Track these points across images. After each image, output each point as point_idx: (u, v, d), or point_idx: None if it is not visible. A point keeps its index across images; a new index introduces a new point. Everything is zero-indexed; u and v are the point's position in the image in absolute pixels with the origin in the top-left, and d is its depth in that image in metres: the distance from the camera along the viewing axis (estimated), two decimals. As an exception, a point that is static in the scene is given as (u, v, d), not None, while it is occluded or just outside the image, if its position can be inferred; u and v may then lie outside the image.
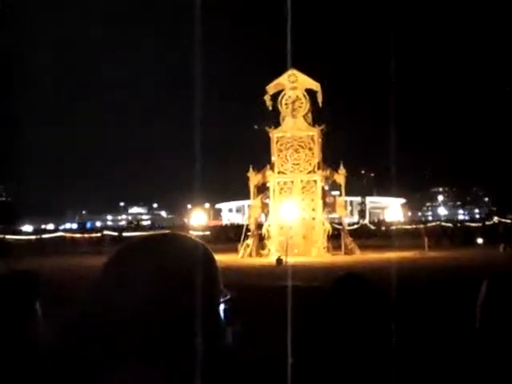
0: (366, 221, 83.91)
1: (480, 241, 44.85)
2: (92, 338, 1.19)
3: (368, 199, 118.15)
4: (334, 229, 39.46)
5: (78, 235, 66.51)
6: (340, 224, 40.64)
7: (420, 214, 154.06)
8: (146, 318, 1.17)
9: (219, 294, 1.26)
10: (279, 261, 29.92)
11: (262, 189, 39.18)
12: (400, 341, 2.63)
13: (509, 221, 63.94)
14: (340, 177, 38.01)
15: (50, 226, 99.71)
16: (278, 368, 2.70)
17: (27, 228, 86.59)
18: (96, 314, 1.21)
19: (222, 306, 1.26)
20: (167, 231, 1.35)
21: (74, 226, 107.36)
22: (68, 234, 67.31)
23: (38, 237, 60.44)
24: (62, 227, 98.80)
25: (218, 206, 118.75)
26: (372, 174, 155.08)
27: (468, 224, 68.70)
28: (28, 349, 2.67)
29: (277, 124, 38.85)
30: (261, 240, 37.93)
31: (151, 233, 1.37)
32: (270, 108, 38.37)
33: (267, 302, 13.10)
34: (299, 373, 2.50)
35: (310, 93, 38.59)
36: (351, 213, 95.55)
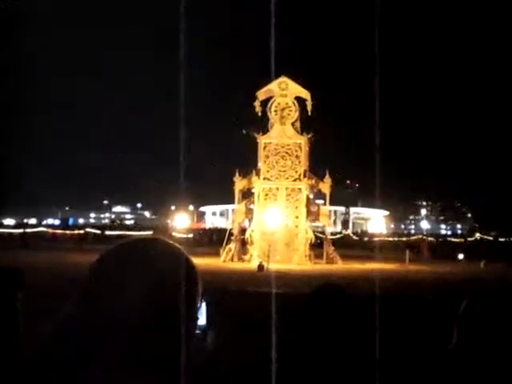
0: (349, 231, 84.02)
1: (461, 256, 45.10)
2: (79, 337, 1.23)
3: (352, 210, 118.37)
4: (316, 237, 39.54)
5: (59, 231, 66.17)
6: (323, 233, 40.75)
7: (403, 226, 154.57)
8: (132, 321, 1.21)
9: (199, 299, 1.32)
10: (260, 267, 29.92)
11: (247, 194, 39.20)
12: (377, 351, 2.66)
13: (491, 238, 64.47)
14: (325, 186, 38.10)
15: (33, 221, 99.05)
16: (258, 374, 2.72)
17: (9, 221, 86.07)
18: (83, 316, 1.25)
19: (202, 310, 1.32)
20: (150, 236, 1.39)
21: (57, 221, 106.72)
22: (50, 230, 66.95)
23: (20, 231, 60.07)
24: (44, 222, 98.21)
25: (202, 208, 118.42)
26: (357, 185, 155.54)
27: (450, 239, 69.10)
28: (9, 346, 2.67)
29: (265, 130, 38.91)
30: (243, 245, 37.94)
31: (136, 236, 1.41)
32: (260, 114, 38.44)
33: (247, 308, 13.11)
34: (278, 380, 2.51)
35: (300, 101, 38.71)
36: (334, 222, 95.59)
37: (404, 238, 68.86)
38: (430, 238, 65.25)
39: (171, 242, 1.37)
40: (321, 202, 41.32)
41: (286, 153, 38.06)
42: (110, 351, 1.21)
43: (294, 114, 38.57)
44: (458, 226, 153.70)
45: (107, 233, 61.75)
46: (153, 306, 1.24)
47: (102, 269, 1.29)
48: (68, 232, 65.01)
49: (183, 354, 1.24)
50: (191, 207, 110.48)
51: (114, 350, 1.22)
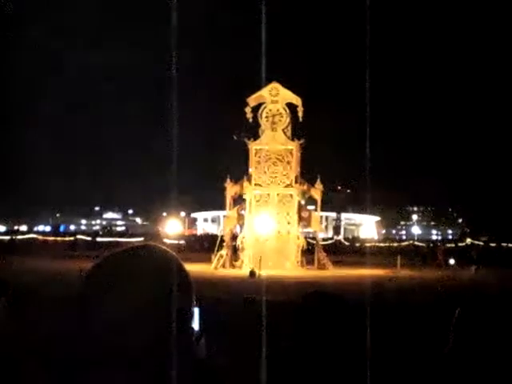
0: (341, 237, 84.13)
1: (452, 261, 45.19)
2: (77, 342, 1.23)
3: (343, 215, 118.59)
4: (308, 243, 39.56)
5: (50, 238, 65.94)
6: (314, 239, 40.76)
7: (394, 232, 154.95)
8: (125, 330, 1.21)
9: (192, 306, 1.32)
10: (252, 273, 29.90)
11: (239, 200, 39.21)
12: (369, 357, 2.65)
13: (481, 243, 64.72)
14: (316, 192, 38.14)
15: (23, 228, 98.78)
16: (250, 380, 2.71)
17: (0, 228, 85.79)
18: (81, 322, 1.24)
19: (195, 317, 1.32)
20: (144, 243, 1.38)
21: (48, 228, 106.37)
22: (40, 237, 66.69)
23: (10, 238, 59.86)
24: (35, 229, 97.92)
25: (193, 215, 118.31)
26: (348, 191, 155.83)
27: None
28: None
29: (256, 136, 38.94)
30: (235, 251, 37.90)
31: (130, 243, 1.41)
32: (250, 120, 38.46)
33: (239, 315, 13.09)
34: None
35: (291, 107, 38.76)
36: (326, 228, 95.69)
37: (395, 244, 69.08)
38: (418, 243, 65.49)
39: (165, 248, 1.37)
40: (312, 207, 41.36)
41: (277, 159, 38.10)
42: (107, 356, 1.21)
43: (285, 120, 38.62)
44: (449, 231, 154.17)
45: (98, 239, 61.68)
46: (147, 312, 1.24)
47: (97, 276, 1.29)
48: (59, 239, 64.82)
49: (179, 360, 1.24)
50: (183, 213, 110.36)
51: (111, 354, 1.21)
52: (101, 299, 1.24)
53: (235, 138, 39.94)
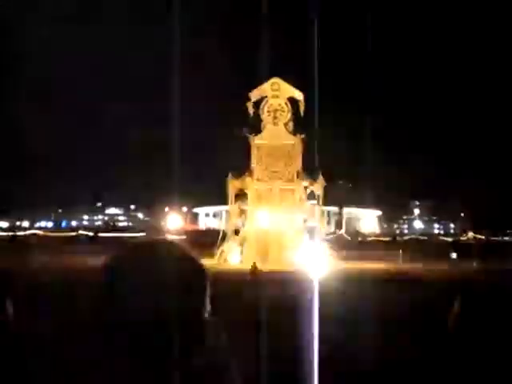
0: (343, 231, 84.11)
1: (454, 255, 45.23)
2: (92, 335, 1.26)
3: (345, 210, 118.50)
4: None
5: (52, 234, 66.03)
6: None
7: (396, 226, 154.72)
8: (145, 323, 1.23)
9: (206, 298, 1.34)
10: (254, 268, 29.89)
11: (241, 195, 39.20)
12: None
13: (483, 237, 64.85)
14: (318, 186, 38.12)
15: (26, 224, 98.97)
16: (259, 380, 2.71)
17: (2, 224, 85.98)
18: (98, 315, 1.27)
19: (207, 309, 1.33)
20: (159, 238, 1.40)
21: (50, 224, 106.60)
22: (42, 232, 66.78)
23: (12, 234, 59.98)
24: (37, 225, 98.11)
25: (195, 210, 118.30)
26: (350, 185, 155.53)
27: (443, 238, 69.35)
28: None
29: (257, 131, 38.90)
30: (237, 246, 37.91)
31: (145, 238, 1.43)
32: (252, 115, 38.42)
33: (243, 311, 13.11)
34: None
35: (293, 101, 38.72)
36: (328, 222, 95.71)
37: (397, 238, 69.18)
38: (420, 237, 65.54)
39: (179, 243, 1.39)
40: (314, 202, 41.35)
41: (279, 154, 38.06)
42: (120, 350, 1.22)
43: (287, 114, 38.59)
44: (451, 225, 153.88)
45: (100, 235, 61.82)
46: (162, 306, 1.25)
47: (119, 268, 1.31)
48: (61, 234, 64.91)
49: (191, 350, 1.26)
50: (185, 208, 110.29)
51: (124, 349, 1.23)
52: (124, 288, 1.26)
53: (237, 133, 39.91)
